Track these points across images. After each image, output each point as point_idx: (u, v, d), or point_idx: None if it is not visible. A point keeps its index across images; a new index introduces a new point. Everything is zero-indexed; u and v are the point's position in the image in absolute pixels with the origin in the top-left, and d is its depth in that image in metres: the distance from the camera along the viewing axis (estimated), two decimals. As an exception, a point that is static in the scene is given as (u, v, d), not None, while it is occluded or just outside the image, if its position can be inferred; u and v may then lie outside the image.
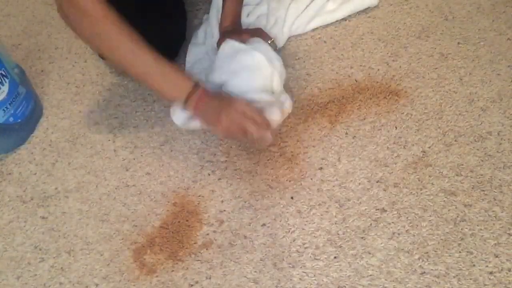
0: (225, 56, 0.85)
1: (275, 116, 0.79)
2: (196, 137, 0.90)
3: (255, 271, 0.73)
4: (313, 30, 1.06)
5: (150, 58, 0.75)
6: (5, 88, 0.88)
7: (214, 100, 0.76)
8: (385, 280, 0.69)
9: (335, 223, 0.76)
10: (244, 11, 1.04)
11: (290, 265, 0.73)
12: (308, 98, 0.93)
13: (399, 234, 0.74)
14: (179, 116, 0.82)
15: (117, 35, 0.74)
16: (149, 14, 0.92)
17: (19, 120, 0.92)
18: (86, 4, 0.72)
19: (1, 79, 0.86)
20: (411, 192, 0.78)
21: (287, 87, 0.87)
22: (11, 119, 0.90)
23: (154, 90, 0.81)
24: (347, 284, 0.70)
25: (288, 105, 0.84)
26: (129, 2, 0.78)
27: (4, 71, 0.87)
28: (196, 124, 0.82)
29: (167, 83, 0.77)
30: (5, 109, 0.88)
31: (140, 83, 0.94)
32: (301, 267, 0.72)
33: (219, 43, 0.96)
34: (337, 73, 0.97)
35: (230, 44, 0.86)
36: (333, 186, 0.81)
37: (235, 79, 0.81)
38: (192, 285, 0.73)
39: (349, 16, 1.07)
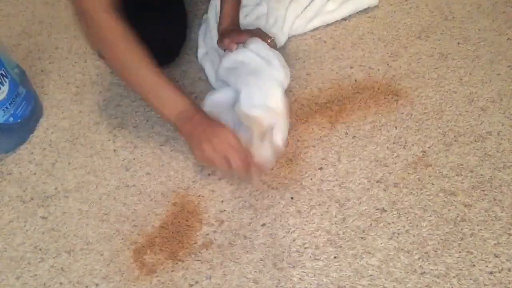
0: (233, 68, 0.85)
1: (264, 152, 0.74)
2: (196, 137, 0.90)
3: (255, 271, 0.73)
4: (313, 30, 1.06)
5: (150, 72, 0.74)
6: (5, 88, 0.88)
7: (202, 124, 0.73)
8: (385, 280, 0.69)
9: (335, 223, 0.76)
10: (243, 11, 1.04)
11: (290, 265, 0.73)
12: (308, 98, 0.93)
13: (399, 234, 0.74)
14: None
15: (120, 46, 0.74)
16: (149, 15, 0.92)
17: (19, 120, 0.92)
18: (95, 14, 0.72)
19: (1, 79, 0.86)
20: (411, 192, 0.78)
21: (287, 88, 0.87)
22: (11, 119, 0.90)
23: (150, 104, 0.79)
24: (347, 284, 0.70)
25: (280, 141, 0.79)
26: (129, 3, 0.78)
27: (4, 71, 0.87)
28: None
29: (161, 99, 0.75)
30: (5, 109, 0.88)
31: (139, 95, 0.88)
32: (301, 267, 0.72)
33: (218, 43, 0.96)
34: (337, 73, 0.97)
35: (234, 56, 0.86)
36: (333, 186, 0.81)
37: (244, 89, 0.82)
38: (192, 285, 0.73)
39: (349, 16, 1.07)
